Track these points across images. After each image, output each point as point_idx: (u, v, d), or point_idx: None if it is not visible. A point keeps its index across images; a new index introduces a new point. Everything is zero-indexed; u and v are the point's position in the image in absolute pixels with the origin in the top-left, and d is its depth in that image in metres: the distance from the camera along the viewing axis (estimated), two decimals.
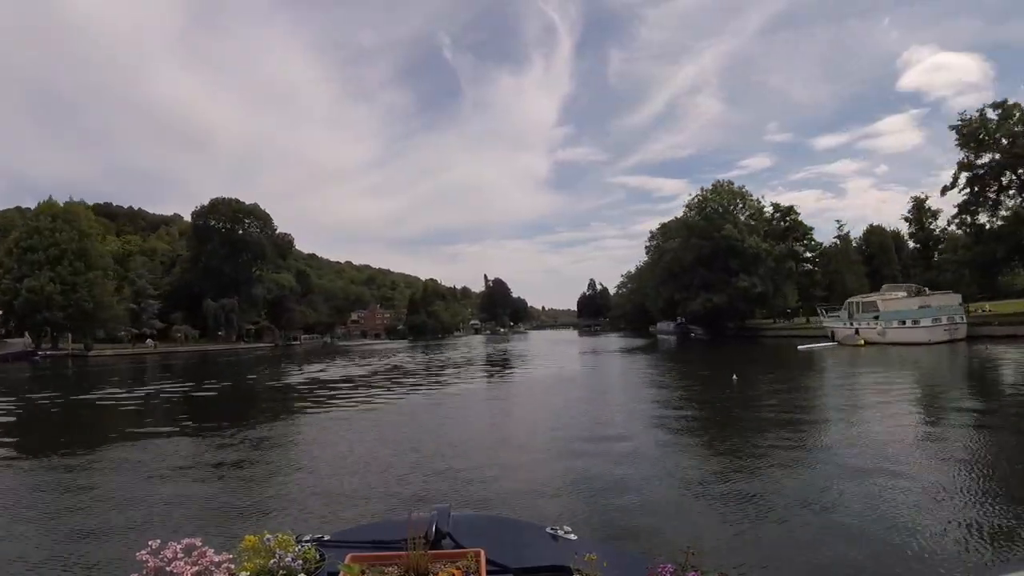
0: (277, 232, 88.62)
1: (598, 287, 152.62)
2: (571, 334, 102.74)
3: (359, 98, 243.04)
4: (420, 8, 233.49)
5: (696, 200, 57.44)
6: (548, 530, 1.54)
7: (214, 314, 73.63)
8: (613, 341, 57.75)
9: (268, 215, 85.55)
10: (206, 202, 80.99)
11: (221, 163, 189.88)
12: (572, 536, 1.50)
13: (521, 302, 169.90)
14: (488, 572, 1.13)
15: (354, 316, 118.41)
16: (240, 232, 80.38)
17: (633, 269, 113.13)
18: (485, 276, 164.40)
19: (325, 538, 1.41)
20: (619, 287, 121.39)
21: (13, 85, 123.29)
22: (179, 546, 1.12)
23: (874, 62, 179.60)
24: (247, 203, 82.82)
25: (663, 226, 74.68)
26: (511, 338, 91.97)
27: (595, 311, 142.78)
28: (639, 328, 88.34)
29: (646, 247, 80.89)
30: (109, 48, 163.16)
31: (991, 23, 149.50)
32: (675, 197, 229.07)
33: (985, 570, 3.69)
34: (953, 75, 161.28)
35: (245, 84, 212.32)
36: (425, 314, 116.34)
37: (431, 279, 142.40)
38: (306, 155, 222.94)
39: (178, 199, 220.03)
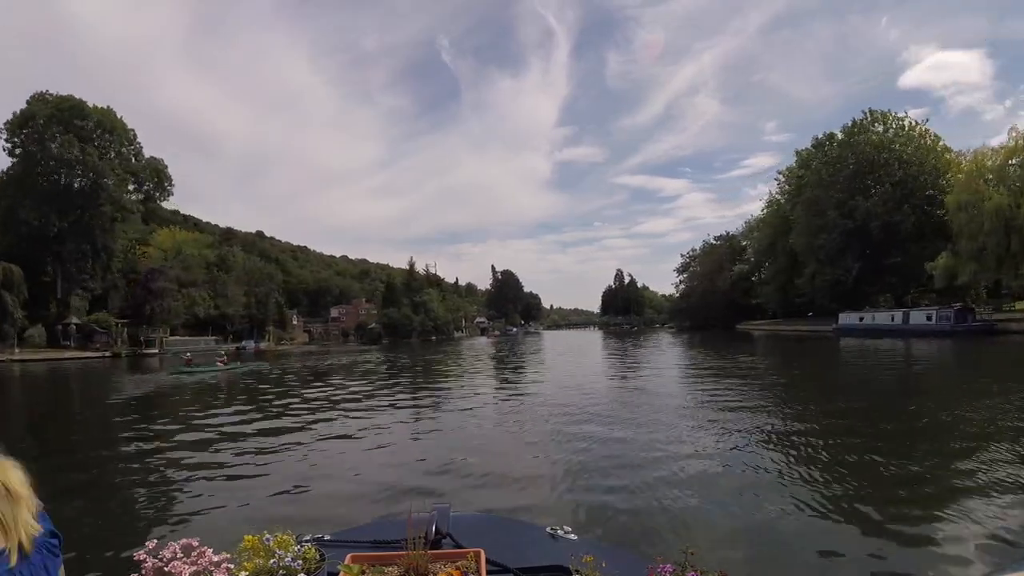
0: (144, 159, 50.94)
1: (626, 278, 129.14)
2: (596, 335, 78.43)
3: (361, 101, 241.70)
4: (420, 14, 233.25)
5: None
6: (548, 530, 1.53)
7: None
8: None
9: (128, 129, 49.31)
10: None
11: (222, 165, 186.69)
12: (572, 536, 1.49)
13: (534, 297, 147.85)
14: (488, 572, 1.13)
15: (335, 312, 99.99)
16: (69, 153, 44.00)
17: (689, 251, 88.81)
18: (493, 268, 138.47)
19: (325, 538, 1.41)
20: (679, 270, 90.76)
21: (17, 87, 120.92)
22: (177, 546, 1.11)
23: (874, 61, 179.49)
24: (101, 106, 47.66)
25: (820, 141, 57.38)
26: (524, 341, 63.54)
27: (624, 307, 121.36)
28: (707, 328, 65.28)
29: (781, 179, 61.58)
30: (113, 53, 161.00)
31: (992, 21, 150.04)
32: (677, 197, 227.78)
33: (985, 570, 3.65)
34: (954, 74, 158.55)
35: (247, 88, 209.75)
36: (410, 306, 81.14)
37: (434, 274, 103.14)
38: (309, 158, 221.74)
39: (179, 199, 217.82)
